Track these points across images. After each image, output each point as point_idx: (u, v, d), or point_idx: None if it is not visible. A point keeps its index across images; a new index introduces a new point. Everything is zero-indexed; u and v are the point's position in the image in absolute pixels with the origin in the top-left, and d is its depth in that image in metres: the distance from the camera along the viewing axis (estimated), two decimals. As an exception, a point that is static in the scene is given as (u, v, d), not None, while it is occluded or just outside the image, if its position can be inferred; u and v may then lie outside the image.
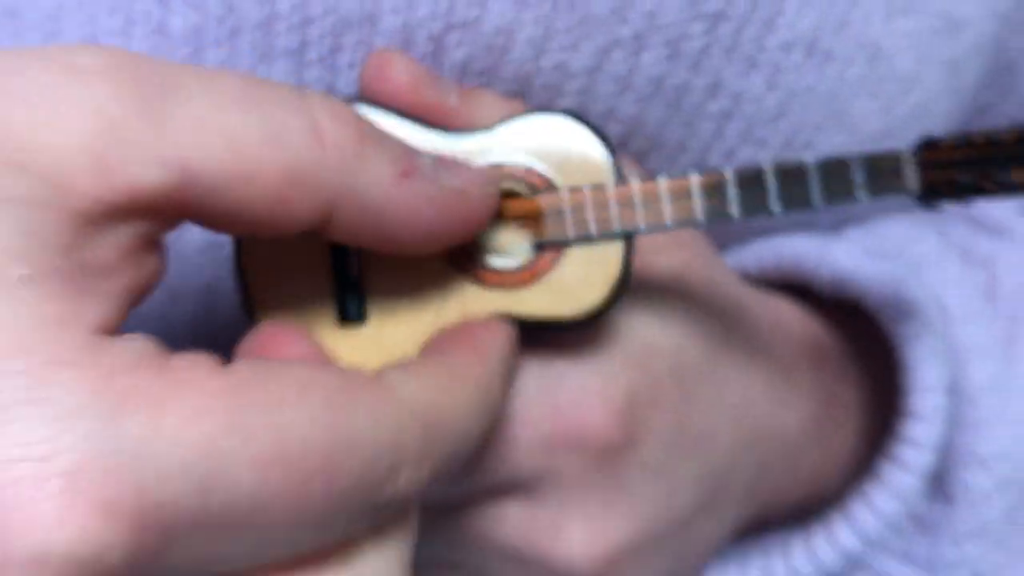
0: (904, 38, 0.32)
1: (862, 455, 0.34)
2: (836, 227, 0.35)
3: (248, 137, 0.20)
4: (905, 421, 0.32)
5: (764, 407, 0.31)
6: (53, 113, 0.18)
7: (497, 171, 0.25)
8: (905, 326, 0.32)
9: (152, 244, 0.20)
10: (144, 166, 0.19)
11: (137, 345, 0.19)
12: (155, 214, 0.19)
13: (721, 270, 0.32)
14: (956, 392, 0.32)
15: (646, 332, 0.28)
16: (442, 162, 0.23)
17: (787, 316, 0.34)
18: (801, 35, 0.30)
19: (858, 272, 0.32)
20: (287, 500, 0.19)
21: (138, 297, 0.20)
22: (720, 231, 0.34)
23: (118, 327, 0.19)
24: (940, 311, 0.33)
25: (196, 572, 0.19)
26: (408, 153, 0.22)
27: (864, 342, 0.35)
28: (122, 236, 0.19)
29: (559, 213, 0.25)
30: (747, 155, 0.32)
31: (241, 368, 0.19)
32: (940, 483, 0.33)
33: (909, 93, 0.33)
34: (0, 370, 0.17)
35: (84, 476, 0.17)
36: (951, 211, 0.40)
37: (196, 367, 0.19)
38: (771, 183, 0.25)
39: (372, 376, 0.21)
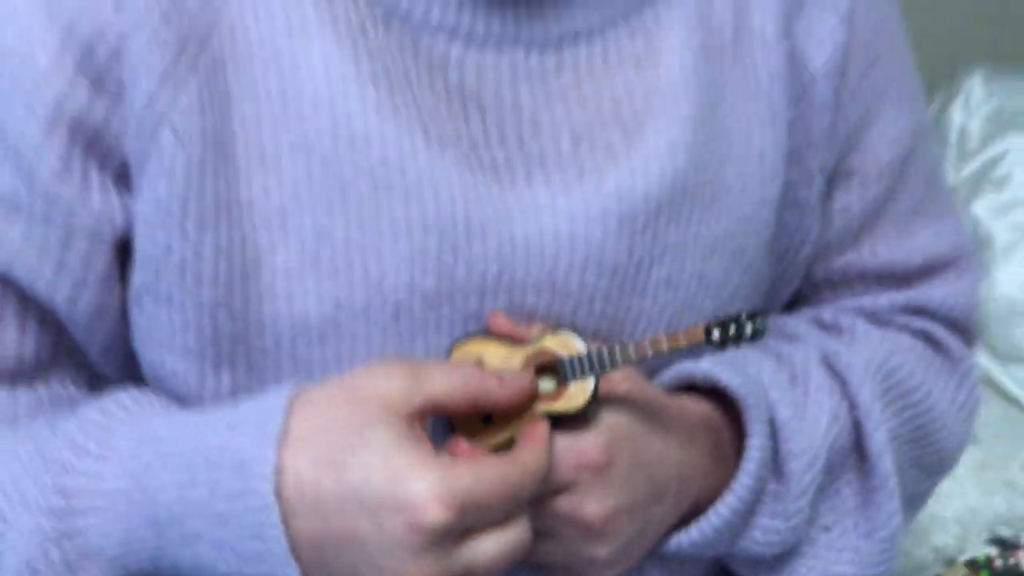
0: (715, 267, 0.64)
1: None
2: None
3: (454, 388, 0.53)
4: (749, 439, 0.63)
5: (679, 452, 0.61)
6: (382, 384, 0.52)
7: (532, 368, 0.57)
8: (743, 396, 0.63)
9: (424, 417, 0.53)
10: (420, 399, 0.52)
11: (446, 455, 0.52)
12: (427, 414, 0.53)
13: (650, 386, 0.62)
14: (773, 424, 0.64)
15: (613, 417, 0.58)
16: (510, 373, 0.56)
17: (689, 404, 0.63)
18: (664, 279, 0.62)
19: (718, 373, 0.63)
20: (497, 501, 0.51)
21: None
22: (648, 367, 0.64)
23: None
24: (760, 387, 0.64)
25: (464, 528, 0.51)
26: (497, 375, 0.55)
27: (730, 410, 0.66)
28: (420, 416, 0.53)
29: (567, 367, 0.58)
30: (650, 332, 0.63)
31: (475, 460, 0.52)
32: (777, 470, 0.64)
33: (726, 288, 0.65)
34: (412, 470, 0.50)
35: (441, 496, 0.49)
36: (772, 331, 0.72)
37: (455, 460, 0.52)
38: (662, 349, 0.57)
39: (512, 456, 0.53)
